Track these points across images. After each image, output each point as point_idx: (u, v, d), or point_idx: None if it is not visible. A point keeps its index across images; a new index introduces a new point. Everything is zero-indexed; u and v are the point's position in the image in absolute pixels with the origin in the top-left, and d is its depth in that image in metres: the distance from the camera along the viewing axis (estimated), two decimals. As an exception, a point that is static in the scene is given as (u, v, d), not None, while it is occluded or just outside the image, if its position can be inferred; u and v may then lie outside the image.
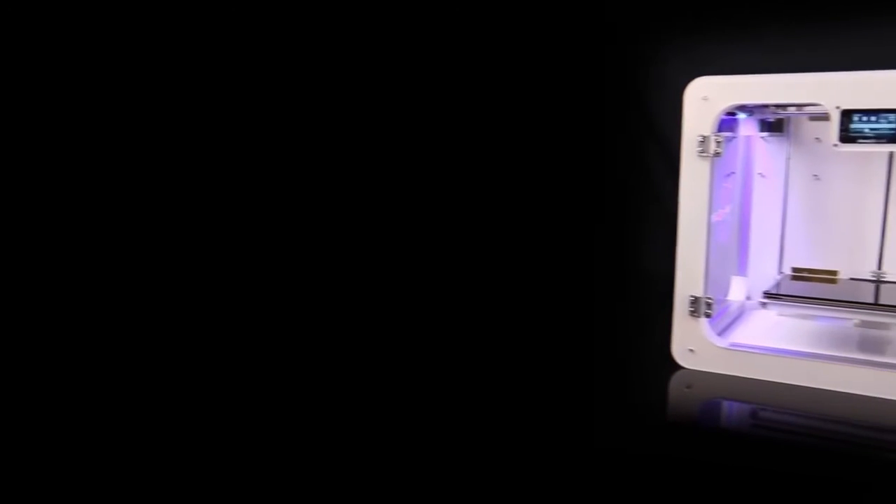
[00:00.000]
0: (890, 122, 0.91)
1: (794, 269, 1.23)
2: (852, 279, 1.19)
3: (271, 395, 1.01)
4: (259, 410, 0.96)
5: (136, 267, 1.40)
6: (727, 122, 1.11)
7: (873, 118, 0.92)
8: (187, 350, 1.18)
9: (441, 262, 1.36)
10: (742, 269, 1.27)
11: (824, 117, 0.96)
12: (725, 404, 1.02)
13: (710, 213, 1.02)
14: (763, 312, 1.20)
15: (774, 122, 1.21)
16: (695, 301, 1.03)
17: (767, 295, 1.10)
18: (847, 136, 0.94)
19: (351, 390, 1.02)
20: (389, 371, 1.09)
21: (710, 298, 1.03)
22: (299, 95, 1.39)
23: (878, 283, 1.17)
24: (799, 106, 1.11)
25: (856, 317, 1.13)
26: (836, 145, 0.94)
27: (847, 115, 0.93)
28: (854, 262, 1.20)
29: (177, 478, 0.81)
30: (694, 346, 1.04)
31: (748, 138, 1.22)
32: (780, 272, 1.24)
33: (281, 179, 1.41)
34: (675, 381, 1.03)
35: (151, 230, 1.42)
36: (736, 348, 1.05)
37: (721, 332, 1.11)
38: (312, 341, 1.22)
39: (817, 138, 1.19)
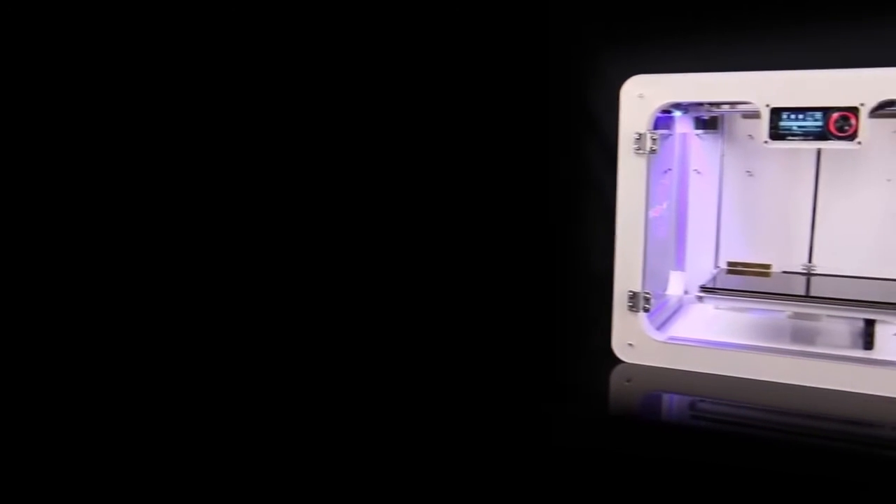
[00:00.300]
0: (816, 121, 0.94)
1: (730, 264, 1.26)
2: (785, 272, 1.22)
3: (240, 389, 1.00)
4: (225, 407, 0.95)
5: (132, 266, 1.38)
6: (663, 119, 1.13)
7: (801, 116, 0.95)
8: (166, 351, 1.16)
9: (376, 260, 1.35)
10: (680, 263, 1.30)
11: (756, 115, 0.98)
12: (665, 397, 1.04)
13: (647, 209, 1.03)
14: (700, 306, 1.23)
15: (709, 120, 1.24)
16: (633, 296, 1.04)
17: (704, 289, 1.12)
18: (777, 134, 0.96)
19: (301, 387, 1.01)
20: (334, 365, 1.09)
21: (648, 293, 1.05)
22: (251, 102, 1.38)
23: (808, 275, 1.20)
24: (731, 104, 1.13)
25: (788, 309, 1.16)
26: (766, 142, 0.97)
27: (776, 113, 0.96)
28: (786, 256, 1.23)
29: (169, 477, 0.80)
30: (633, 340, 1.06)
31: (684, 136, 1.25)
32: (717, 266, 1.27)
33: (235, 179, 1.39)
34: (615, 375, 1.04)
35: (143, 229, 1.39)
36: (674, 342, 1.07)
37: (660, 327, 1.13)
38: (270, 334, 1.21)
39: (750, 135, 1.22)
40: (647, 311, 1.05)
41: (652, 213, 1.09)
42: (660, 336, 1.07)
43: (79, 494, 0.78)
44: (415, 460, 0.82)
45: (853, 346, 1.07)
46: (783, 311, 1.18)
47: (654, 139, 1.01)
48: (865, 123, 0.92)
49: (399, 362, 1.12)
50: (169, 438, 0.88)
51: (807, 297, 1.11)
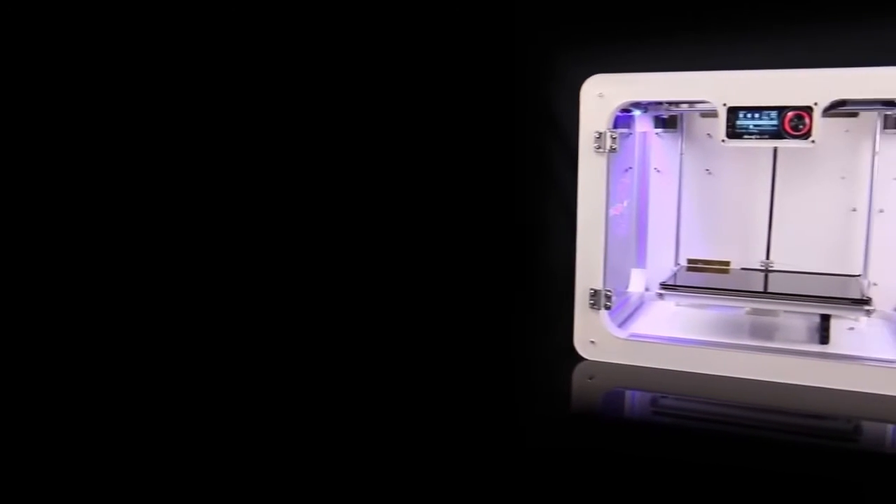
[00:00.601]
0: (771, 120, 0.95)
1: (689, 261, 1.28)
2: (743, 269, 1.24)
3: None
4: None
5: (125, 264, 1.37)
6: (623, 118, 1.14)
7: (756, 115, 0.96)
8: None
9: (339, 257, 1.35)
10: (641, 261, 1.31)
11: (714, 114, 0.99)
12: (626, 394, 1.05)
13: (607, 207, 1.04)
14: (661, 303, 1.24)
15: (668, 119, 1.26)
16: (595, 294, 1.05)
17: (664, 286, 1.13)
18: (733, 133, 0.97)
19: (262, 387, 1.01)
20: (294, 366, 1.08)
21: (609, 291, 1.06)
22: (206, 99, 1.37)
23: (766, 272, 1.22)
24: (690, 103, 1.14)
25: (747, 305, 1.18)
26: (724, 141, 0.98)
27: (733, 112, 0.97)
28: (745, 253, 1.25)
29: (164, 476, 0.79)
30: (595, 337, 1.06)
31: (644, 134, 1.26)
32: (677, 264, 1.28)
33: (186, 181, 1.38)
34: (577, 372, 1.05)
35: (133, 227, 1.38)
36: (635, 339, 1.08)
37: (621, 324, 1.14)
38: (232, 335, 1.20)
39: (708, 134, 1.24)
40: (608, 308, 1.06)
41: (613, 212, 1.10)
42: (621, 333, 1.08)
43: (79, 494, 0.78)
44: (374, 459, 0.82)
45: (810, 341, 1.09)
46: (742, 308, 1.20)
47: (614, 138, 1.02)
48: (819, 122, 0.94)
49: (359, 359, 1.12)
50: (161, 437, 0.88)
51: (764, 294, 1.12)
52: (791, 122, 0.95)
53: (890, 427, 0.93)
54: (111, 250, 1.39)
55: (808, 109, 0.94)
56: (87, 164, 1.38)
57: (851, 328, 1.14)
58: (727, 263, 1.26)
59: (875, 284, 1.18)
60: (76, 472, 0.81)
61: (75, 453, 0.85)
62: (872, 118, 1.15)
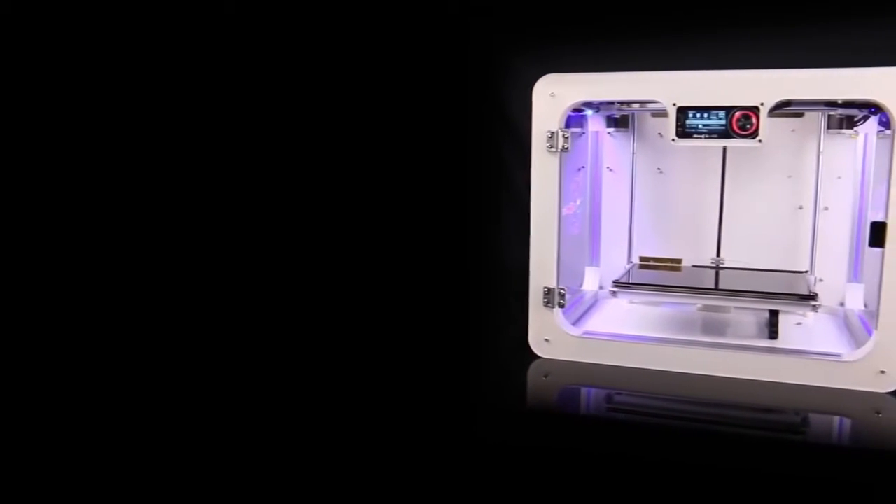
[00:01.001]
0: (720, 119, 0.97)
1: (642, 259, 1.29)
2: (695, 266, 1.26)
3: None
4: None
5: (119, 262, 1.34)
6: (575, 118, 1.15)
7: (705, 115, 0.98)
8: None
9: (291, 256, 1.34)
10: (595, 259, 1.32)
11: (664, 114, 1.01)
12: (581, 391, 1.06)
13: (560, 206, 1.05)
14: (615, 301, 1.25)
15: (620, 119, 1.27)
16: (548, 292, 1.06)
17: (617, 284, 1.15)
18: (683, 132, 0.99)
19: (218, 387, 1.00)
20: (246, 361, 1.07)
21: (563, 289, 1.07)
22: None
23: (717, 269, 1.24)
24: (641, 103, 1.16)
25: (698, 301, 1.20)
26: (673, 140, 0.99)
27: (682, 111, 0.99)
28: (696, 251, 1.27)
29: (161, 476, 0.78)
30: (549, 335, 1.07)
31: (596, 134, 1.27)
32: (630, 262, 1.30)
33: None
34: (532, 370, 1.05)
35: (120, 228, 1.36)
36: (589, 336, 1.09)
37: (576, 322, 1.15)
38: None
39: (659, 134, 1.25)
40: (562, 306, 1.07)
41: (566, 210, 1.11)
42: (575, 331, 1.09)
43: (79, 494, 0.76)
44: (329, 458, 0.81)
45: (759, 337, 1.11)
46: (693, 304, 1.22)
47: (566, 137, 1.02)
48: (765, 122, 0.96)
49: (311, 356, 1.11)
50: (154, 436, 0.87)
51: (715, 290, 1.14)
52: (738, 122, 0.96)
53: (836, 419, 0.95)
54: (107, 249, 1.36)
55: (755, 109, 0.96)
56: (87, 164, 1.36)
57: (799, 323, 1.17)
58: (679, 261, 1.27)
59: (821, 280, 1.20)
60: (76, 472, 0.80)
61: (75, 453, 0.84)
62: (817, 118, 1.18)
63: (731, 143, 0.98)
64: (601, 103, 1.17)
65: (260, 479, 0.79)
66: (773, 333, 1.09)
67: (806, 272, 1.21)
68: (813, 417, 0.95)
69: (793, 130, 1.20)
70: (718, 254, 1.25)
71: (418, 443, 0.85)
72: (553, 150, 1.02)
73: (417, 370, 1.07)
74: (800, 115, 1.19)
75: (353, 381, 1.03)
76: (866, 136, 1.15)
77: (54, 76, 1.34)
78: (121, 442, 0.86)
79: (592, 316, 1.23)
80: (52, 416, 0.93)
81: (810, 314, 1.18)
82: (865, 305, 1.17)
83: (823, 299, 1.10)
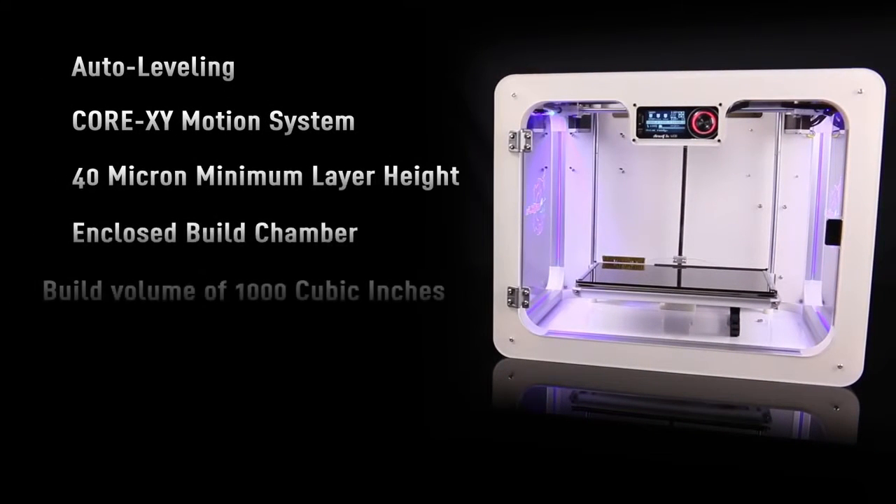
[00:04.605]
0: (679, 119, 0.98)
1: (605, 258, 1.30)
2: (657, 265, 1.27)
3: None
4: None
5: None
6: (537, 118, 1.16)
7: (665, 115, 0.99)
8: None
9: (253, 261, 1.33)
10: (559, 259, 1.33)
11: (625, 114, 1.01)
12: (546, 390, 1.06)
13: (523, 206, 1.05)
14: (578, 300, 1.26)
15: (582, 119, 1.28)
16: (512, 292, 1.06)
17: (581, 283, 1.15)
18: (644, 132, 1.00)
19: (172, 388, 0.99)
20: (205, 370, 1.06)
21: (527, 289, 1.07)
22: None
23: (679, 267, 1.26)
24: (602, 103, 1.17)
25: (661, 300, 1.21)
26: (634, 140, 1.00)
27: (643, 112, 0.99)
28: (658, 249, 1.28)
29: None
30: (514, 335, 1.07)
31: (559, 134, 1.28)
32: (594, 261, 1.31)
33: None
34: (497, 370, 1.06)
35: None
36: (553, 335, 1.09)
37: (540, 321, 1.16)
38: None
39: (621, 134, 1.27)
40: (526, 306, 1.07)
41: (529, 211, 1.11)
42: (540, 331, 1.09)
43: (79, 494, 0.75)
44: (291, 459, 0.81)
45: (721, 334, 1.12)
46: (656, 303, 1.23)
47: (528, 137, 1.03)
48: (724, 122, 0.97)
49: (278, 361, 1.10)
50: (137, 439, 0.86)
51: (678, 289, 1.15)
52: (698, 122, 0.98)
53: (797, 413, 0.97)
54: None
55: (714, 110, 0.97)
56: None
57: (760, 320, 1.18)
58: (642, 260, 1.28)
59: (780, 277, 1.22)
60: (76, 472, 0.79)
61: (75, 453, 0.83)
62: (774, 119, 1.20)
63: (691, 143, 0.99)
64: (563, 104, 1.17)
65: (225, 475, 0.78)
66: (734, 330, 1.11)
67: (766, 270, 1.22)
68: (773, 413, 0.96)
69: (751, 130, 1.22)
70: (680, 252, 1.26)
71: (381, 443, 0.85)
72: (515, 150, 1.03)
73: (381, 371, 1.07)
74: (758, 115, 1.20)
75: (317, 381, 1.03)
76: (822, 135, 1.18)
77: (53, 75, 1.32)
78: (117, 442, 0.85)
79: (557, 315, 1.23)
80: (52, 416, 0.92)
81: (770, 311, 1.20)
82: (823, 302, 1.19)
83: (783, 296, 1.12)
